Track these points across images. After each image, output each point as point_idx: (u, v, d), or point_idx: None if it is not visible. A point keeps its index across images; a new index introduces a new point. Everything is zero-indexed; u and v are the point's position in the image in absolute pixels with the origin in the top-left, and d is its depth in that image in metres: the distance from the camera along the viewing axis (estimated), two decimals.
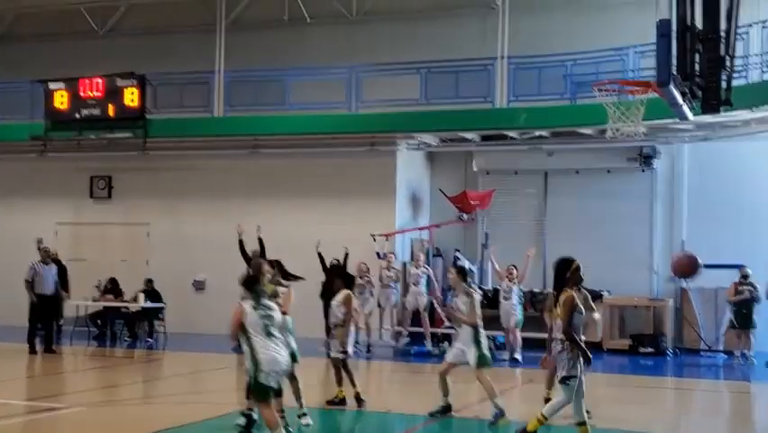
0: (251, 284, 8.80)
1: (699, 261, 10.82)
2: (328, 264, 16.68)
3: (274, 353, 8.38)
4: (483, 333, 10.94)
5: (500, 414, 10.62)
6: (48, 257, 17.36)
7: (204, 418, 10.85)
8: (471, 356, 10.82)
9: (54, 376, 14.71)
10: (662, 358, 17.97)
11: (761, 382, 15.63)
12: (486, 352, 10.92)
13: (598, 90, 13.76)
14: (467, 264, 20.02)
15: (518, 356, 16.90)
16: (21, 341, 16.97)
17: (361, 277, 17.42)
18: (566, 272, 9.21)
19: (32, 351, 16.68)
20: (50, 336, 17.11)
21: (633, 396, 13.91)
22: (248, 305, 8.56)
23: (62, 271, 20.16)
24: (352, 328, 11.63)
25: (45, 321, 17.12)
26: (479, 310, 10.91)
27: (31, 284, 16.89)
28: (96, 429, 10.24)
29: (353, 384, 11.42)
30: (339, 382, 11.51)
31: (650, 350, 18.29)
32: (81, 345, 18.78)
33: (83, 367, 16.31)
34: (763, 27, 16.26)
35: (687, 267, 11.06)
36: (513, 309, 17.19)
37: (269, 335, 8.42)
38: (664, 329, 18.68)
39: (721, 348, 18.34)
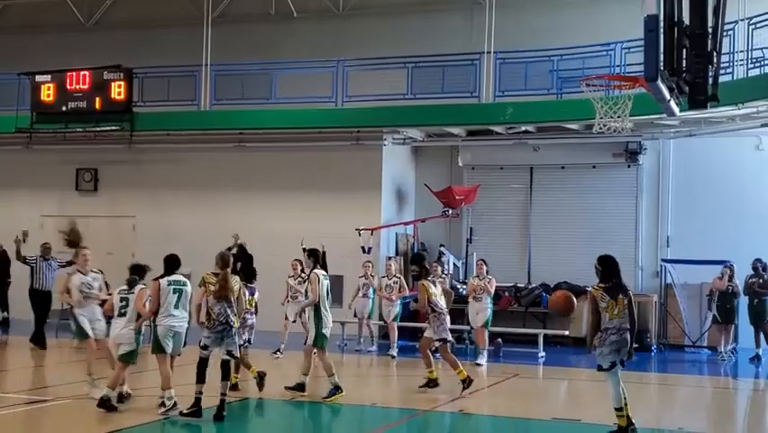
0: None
1: (574, 301, 10.71)
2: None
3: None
4: (325, 313, 11.54)
5: (336, 391, 11.44)
6: (48, 253, 17.06)
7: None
8: (310, 336, 11.60)
9: (39, 369, 14.64)
10: (647, 354, 18.04)
11: (745, 378, 15.75)
12: (324, 332, 11.54)
13: (585, 85, 13.80)
14: (452, 259, 20.18)
15: (482, 361, 15.56)
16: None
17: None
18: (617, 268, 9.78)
19: (41, 345, 16.70)
20: (41, 331, 17.02)
21: None
22: None
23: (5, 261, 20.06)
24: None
25: (39, 316, 17.02)
26: (321, 291, 11.53)
27: (31, 272, 16.87)
28: (82, 421, 10.22)
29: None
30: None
31: (634, 346, 18.30)
32: (66, 338, 18.66)
33: (68, 360, 16.23)
34: (749, 24, 16.36)
35: (563, 305, 11.01)
36: (483, 308, 15.98)
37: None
38: (649, 325, 18.77)
39: (705, 344, 18.46)
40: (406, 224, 20.66)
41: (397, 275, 17.19)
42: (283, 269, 16.38)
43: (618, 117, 12.56)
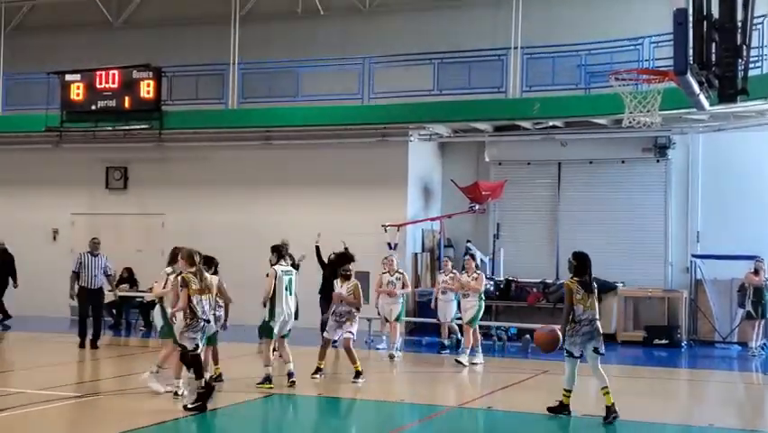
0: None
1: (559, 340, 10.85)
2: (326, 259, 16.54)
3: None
4: (278, 307, 11.89)
5: (265, 381, 11.86)
6: (97, 248, 16.37)
7: (218, 406, 10.94)
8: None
9: (69, 365, 14.81)
10: (677, 350, 17.94)
11: None
12: (271, 324, 12.00)
13: (614, 79, 13.70)
14: (478, 255, 20.13)
15: (478, 360, 14.87)
16: (45, 330, 17.05)
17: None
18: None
19: (82, 344, 16.15)
20: (97, 330, 16.40)
21: (647, 388, 13.91)
22: None
23: (10, 262, 20.46)
24: None
25: (94, 315, 16.37)
26: (279, 286, 11.87)
27: (77, 276, 16.10)
28: (112, 417, 10.33)
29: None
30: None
31: (664, 342, 18.26)
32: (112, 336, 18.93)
33: (99, 356, 16.42)
34: None
35: (549, 342, 11.06)
36: (472, 306, 15.06)
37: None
38: (679, 321, 18.65)
39: (735, 340, 18.31)
40: (432, 219, 20.66)
41: (400, 271, 16.08)
42: (309, 265, 16.41)
43: (648, 112, 12.46)
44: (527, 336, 17.15)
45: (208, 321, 10.63)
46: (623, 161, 19.86)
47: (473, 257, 16.12)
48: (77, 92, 21.21)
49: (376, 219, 19.11)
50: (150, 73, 20.77)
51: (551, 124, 19.32)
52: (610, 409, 10.33)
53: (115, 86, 20.91)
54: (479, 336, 15.19)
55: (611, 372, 15.84)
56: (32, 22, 24.61)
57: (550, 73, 18.44)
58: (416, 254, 20.48)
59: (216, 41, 21.65)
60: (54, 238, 22.38)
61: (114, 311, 20.29)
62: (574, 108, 18.39)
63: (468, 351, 14.86)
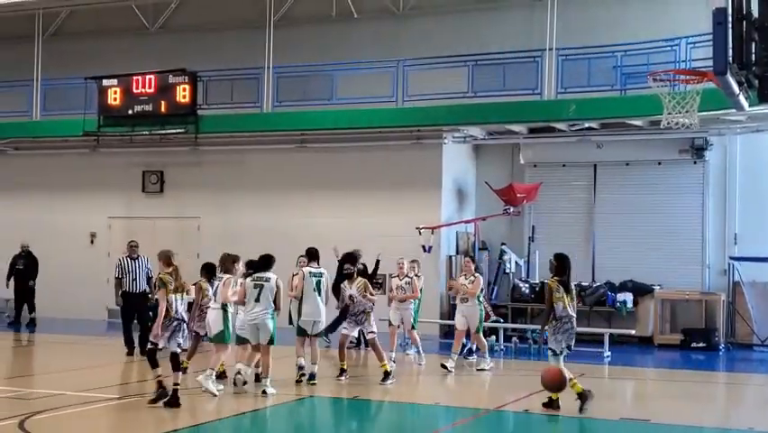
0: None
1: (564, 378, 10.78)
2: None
3: None
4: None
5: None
6: (135, 251, 15.73)
7: (261, 406, 11.01)
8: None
9: (108, 367, 14.97)
10: (715, 353, 17.76)
11: None
12: (299, 323, 12.72)
13: (653, 80, 13.59)
14: (513, 258, 20.07)
15: (486, 364, 14.47)
16: (84, 333, 17.21)
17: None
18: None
19: (130, 352, 15.50)
20: (144, 336, 14.80)
21: (684, 391, 13.78)
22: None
23: (34, 264, 20.64)
24: None
25: (139, 321, 15.54)
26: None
27: (119, 282, 15.47)
28: (151, 419, 10.44)
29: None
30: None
31: (702, 345, 18.07)
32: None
33: (136, 359, 16.58)
34: None
35: (555, 382, 10.93)
36: (473, 312, 14.52)
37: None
38: (716, 324, 18.46)
39: None
40: (466, 222, 20.61)
41: (410, 275, 15.30)
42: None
43: (687, 112, 12.35)
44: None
45: (182, 320, 10.90)
46: (659, 163, 19.69)
47: (473, 259, 15.42)
48: (114, 97, 21.43)
49: (410, 222, 19.10)
50: (186, 77, 20.94)
51: (586, 125, 19.20)
52: (582, 395, 10.80)
53: (152, 90, 21.11)
54: (484, 341, 14.82)
55: (648, 375, 15.87)
56: (69, 28, 24.92)
57: (585, 74, 18.32)
58: (450, 257, 20.45)
59: (251, 45, 21.77)
60: (92, 242, 22.64)
61: (150, 314, 20.45)
62: (610, 110, 18.26)
63: (485, 354, 14.64)
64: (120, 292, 15.51)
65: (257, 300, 11.71)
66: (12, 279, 20.94)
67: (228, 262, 12.41)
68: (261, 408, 11.16)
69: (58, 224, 22.58)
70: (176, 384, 10.71)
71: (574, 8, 19.67)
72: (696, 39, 16.65)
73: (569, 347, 10.96)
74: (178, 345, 10.86)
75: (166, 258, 11.04)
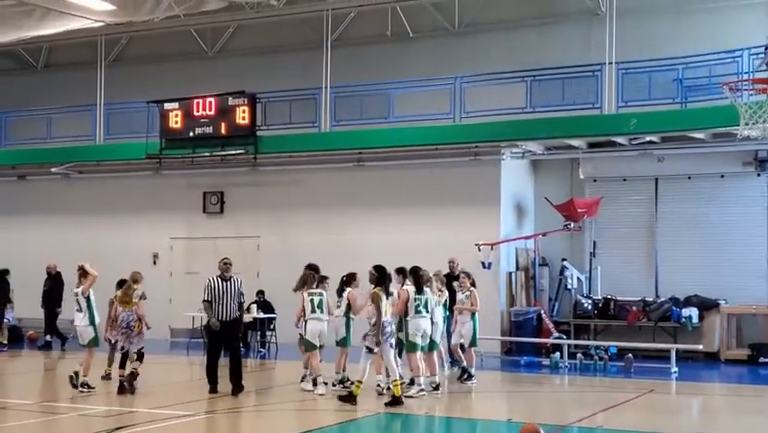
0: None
1: None
2: None
3: None
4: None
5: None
6: (229, 270, 13.70)
7: (319, 426, 11.06)
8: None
9: (173, 385, 15.14)
10: None
11: None
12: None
13: (729, 89, 13.40)
14: (575, 273, 19.90)
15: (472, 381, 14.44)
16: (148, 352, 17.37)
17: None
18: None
19: (213, 389, 13.34)
20: (236, 371, 13.42)
21: (752, 406, 13.54)
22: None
23: (58, 285, 20.64)
24: None
25: (229, 353, 13.55)
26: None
27: (209, 305, 13.44)
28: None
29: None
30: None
31: None
32: (197, 356, 19.31)
33: (201, 376, 16.73)
34: None
35: None
36: (468, 328, 14.61)
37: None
38: None
39: None
40: (526, 238, 20.51)
41: (471, 288, 14.95)
42: None
43: (765, 122, 12.17)
44: (629, 355, 16.83)
45: (128, 327, 13.47)
46: (722, 176, 19.40)
47: (468, 275, 15.14)
48: (175, 120, 21.74)
49: (469, 238, 19.08)
50: (245, 99, 21.16)
51: (647, 139, 19.01)
52: (396, 400, 12.04)
53: (212, 112, 21.37)
54: (474, 357, 14.82)
55: (715, 390, 15.61)
56: (130, 53, 25.46)
57: (646, 88, 18.14)
58: (510, 273, 20.36)
59: (308, 65, 22.01)
60: (154, 262, 22.96)
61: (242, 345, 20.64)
62: (671, 123, 18.05)
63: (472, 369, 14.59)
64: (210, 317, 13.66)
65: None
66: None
67: (353, 278, 14.08)
68: (328, 425, 11.17)
69: (121, 245, 22.89)
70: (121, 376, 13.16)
71: (631, 21, 19.52)
72: (759, 49, 16.41)
73: (391, 345, 12.44)
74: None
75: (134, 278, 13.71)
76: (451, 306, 15.22)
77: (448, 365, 15.76)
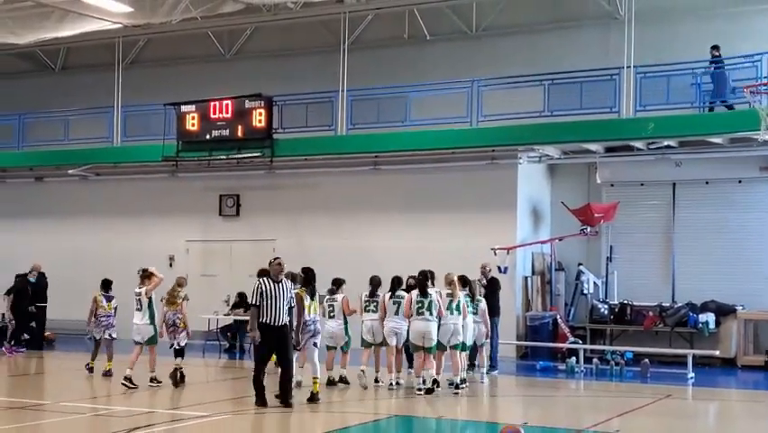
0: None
1: None
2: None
3: None
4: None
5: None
6: (281, 272, 12.48)
7: (338, 426, 11.04)
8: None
9: (190, 386, 15.16)
10: None
11: None
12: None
13: (749, 93, 13.35)
14: (591, 278, 19.83)
15: (459, 381, 13.82)
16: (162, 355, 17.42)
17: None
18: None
19: (261, 401, 12.20)
20: (285, 382, 12.43)
21: None
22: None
23: (44, 285, 20.78)
24: None
25: (280, 361, 12.69)
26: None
27: (258, 310, 12.20)
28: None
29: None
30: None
31: None
32: (213, 358, 19.36)
33: (216, 378, 16.77)
34: None
35: None
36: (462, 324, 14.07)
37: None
38: None
39: None
40: (542, 242, 20.45)
41: (458, 293, 14.21)
42: None
43: None
44: (646, 360, 16.75)
45: (174, 325, 14.74)
46: (740, 181, 19.30)
47: (465, 280, 14.74)
48: (192, 122, 21.80)
49: (485, 243, 19.05)
50: (262, 102, 21.19)
51: (665, 143, 18.91)
52: (314, 396, 12.68)
53: (229, 115, 21.40)
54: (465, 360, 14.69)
55: (731, 396, 15.50)
56: (147, 56, 25.56)
57: (664, 92, 18.05)
58: (526, 278, 20.31)
59: (324, 68, 22.04)
60: (170, 265, 23.01)
61: (229, 334, 20.76)
62: (690, 127, 17.96)
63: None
64: (257, 324, 12.25)
65: (396, 313, 14.19)
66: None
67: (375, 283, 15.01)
68: (349, 425, 11.14)
69: (137, 248, 22.94)
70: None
71: (650, 25, 19.42)
72: None
73: (315, 344, 13.30)
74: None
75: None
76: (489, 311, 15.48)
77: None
